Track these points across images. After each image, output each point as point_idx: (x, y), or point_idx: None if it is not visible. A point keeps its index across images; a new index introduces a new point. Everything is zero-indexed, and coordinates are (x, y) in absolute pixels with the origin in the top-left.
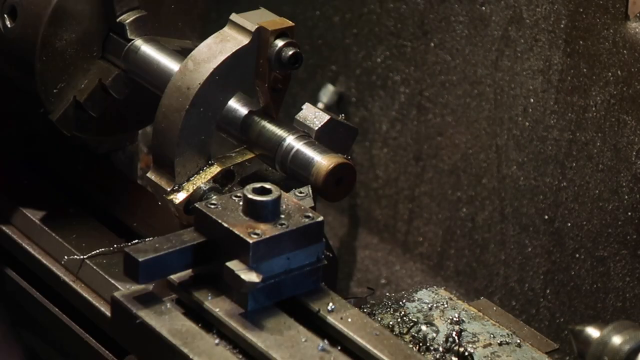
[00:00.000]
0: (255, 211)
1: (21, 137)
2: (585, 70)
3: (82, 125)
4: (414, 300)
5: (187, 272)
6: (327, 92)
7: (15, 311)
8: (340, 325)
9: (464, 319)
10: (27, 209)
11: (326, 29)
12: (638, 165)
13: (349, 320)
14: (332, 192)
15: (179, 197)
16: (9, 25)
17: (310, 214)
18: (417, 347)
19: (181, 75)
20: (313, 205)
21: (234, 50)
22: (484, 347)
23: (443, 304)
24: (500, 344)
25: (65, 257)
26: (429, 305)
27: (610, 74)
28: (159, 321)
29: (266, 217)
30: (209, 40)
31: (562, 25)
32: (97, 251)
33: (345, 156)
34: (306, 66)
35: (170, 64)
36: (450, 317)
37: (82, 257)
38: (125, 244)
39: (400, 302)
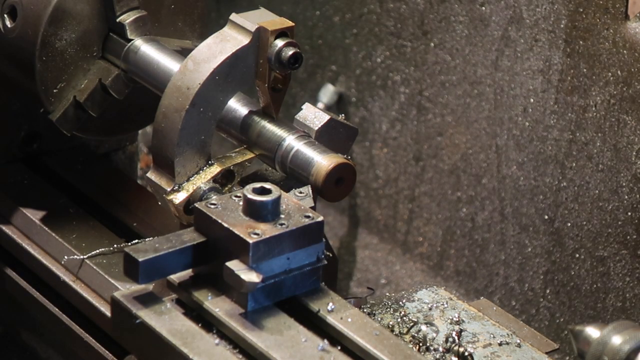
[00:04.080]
0: (255, 211)
1: (21, 137)
2: (585, 70)
3: (82, 125)
4: (414, 300)
5: (187, 272)
6: (327, 92)
7: (15, 311)
8: (340, 325)
9: (464, 319)
10: (27, 209)
11: (326, 29)
12: (638, 165)
13: (349, 320)
14: (332, 192)
15: (179, 197)
16: (9, 25)
17: (310, 214)
18: (417, 347)
19: (181, 75)
20: (313, 205)
21: (234, 50)
22: (484, 347)
23: (443, 304)
24: (500, 344)
25: (65, 257)
26: (429, 305)
27: (610, 74)
28: (159, 321)
29: (266, 217)
30: (209, 40)
31: (562, 25)
32: (97, 251)
33: (345, 156)
34: (306, 66)
35: (170, 64)
36: (450, 317)
37: (82, 257)
38: (125, 244)
39: (400, 302)
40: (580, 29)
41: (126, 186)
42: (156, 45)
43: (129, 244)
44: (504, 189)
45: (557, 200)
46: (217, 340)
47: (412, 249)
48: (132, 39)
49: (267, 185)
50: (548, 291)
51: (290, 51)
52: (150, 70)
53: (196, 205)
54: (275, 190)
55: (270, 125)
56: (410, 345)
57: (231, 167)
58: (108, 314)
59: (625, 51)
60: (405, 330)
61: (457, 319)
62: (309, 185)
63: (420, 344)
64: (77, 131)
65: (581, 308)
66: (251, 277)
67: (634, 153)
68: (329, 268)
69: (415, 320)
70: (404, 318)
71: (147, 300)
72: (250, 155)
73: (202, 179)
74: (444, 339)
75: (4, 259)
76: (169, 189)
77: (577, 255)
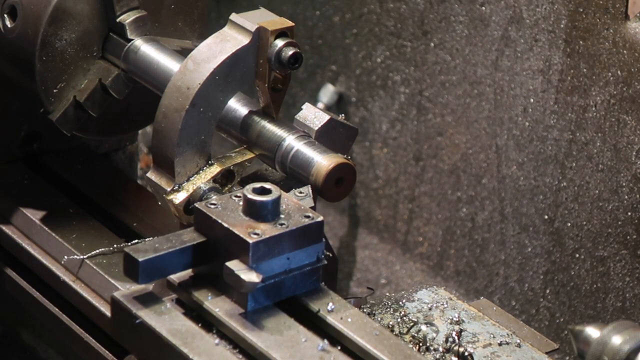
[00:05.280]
0: (255, 211)
1: (21, 137)
2: (585, 70)
3: (82, 125)
4: (414, 300)
5: (187, 272)
6: (327, 92)
7: (15, 311)
8: (340, 325)
9: (464, 319)
10: (27, 209)
11: (326, 29)
12: (638, 165)
13: (349, 320)
14: (332, 192)
15: (179, 197)
16: (9, 25)
17: (310, 214)
18: (417, 347)
19: (181, 75)
20: (313, 205)
21: (234, 50)
22: (484, 347)
23: (443, 304)
24: (500, 344)
25: (65, 257)
26: (429, 305)
27: (610, 74)
28: (159, 321)
29: (266, 217)
30: (209, 40)
31: (562, 25)
32: (97, 251)
33: (345, 156)
34: (306, 66)
35: (170, 64)
36: (450, 317)
37: (82, 257)
38: (125, 244)
39: (400, 302)
40: (580, 29)
41: (126, 186)
42: (156, 45)
43: (129, 244)
44: (504, 189)
45: (557, 200)
46: (217, 340)
47: (412, 249)
48: (132, 39)
49: (267, 185)
50: (548, 291)
51: (290, 51)
52: (150, 70)
53: (196, 205)
54: (275, 190)
55: (270, 125)
56: (410, 345)
57: (231, 167)
58: (108, 314)
59: (625, 51)
60: (405, 330)
61: (457, 319)
62: (309, 185)
63: (420, 344)
64: (77, 131)
65: (581, 308)
66: (251, 277)
67: (634, 153)
68: (329, 268)
69: (415, 320)
70: (404, 318)
71: (147, 300)
72: (250, 155)
73: (202, 179)
74: (444, 339)
75: (4, 259)
76: (169, 189)
77: (577, 255)
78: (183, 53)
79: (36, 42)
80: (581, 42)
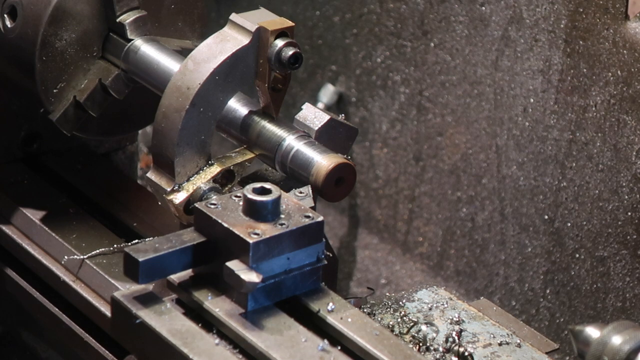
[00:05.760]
0: (255, 211)
1: (21, 137)
2: (585, 70)
3: (82, 125)
4: (414, 300)
5: (187, 272)
6: (327, 92)
7: (15, 311)
8: (340, 325)
9: (464, 319)
10: (27, 209)
11: (326, 29)
12: (638, 165)
13: (349, 320)
14: (332, 192)
15: (179, 197)
16: (9, 25)
17: (310, 214)
18: (417, 347)
19: (181, 75)
20: (313, 205)
21: (234, 50)
22: (484, 347)
23: (443, 304)
24: (500, 344)
25: (65, 257)
26: (429, 305)
27: (610, 74)
28: (159, 321)
29: (266, 217)
30: (209, 40)
31: (562, 25)
32: (97, 251)
33: (345, 156)
34: (306, 66)
35: (170, 64)
36: (450, 317)
37: (82, 257)
38: (125, 244)
39: (400, 302)
40: (580, 29)
41: (126, 186)
42: (156, 45)
43: (129, 244)
44: (504, 189)
45: (557, 200)
46: (217, 340)
47: (412, 249)
48: (132, 39)
49: (267, 185)
50: (548, 291)
51: (290, 51)
52: (150, 70)
53: (196, 205)
54: (275, 190)
55: (270, 125)
56: (410, 345)
57: (231, 167)
58: (108, 314)
59: (625, 51)
60: (405, 330)
61: (457, 319)
62: (309, 185)
63: (420, 344)
64: (77, 131)
65: (581, 308)
66: (251, 277)
67: (634, 153)
68: (329, 268)
69: (415, 320)
70: (404, 318)
71: (147, 300)
72: (250, 155)
73: (202, 179)
74: (444, 339)
75: (4, 259)
76: (169, 189)
77: (577, 255)
78: (183, 53)
79: (36, 42)
80: (581, 42)
